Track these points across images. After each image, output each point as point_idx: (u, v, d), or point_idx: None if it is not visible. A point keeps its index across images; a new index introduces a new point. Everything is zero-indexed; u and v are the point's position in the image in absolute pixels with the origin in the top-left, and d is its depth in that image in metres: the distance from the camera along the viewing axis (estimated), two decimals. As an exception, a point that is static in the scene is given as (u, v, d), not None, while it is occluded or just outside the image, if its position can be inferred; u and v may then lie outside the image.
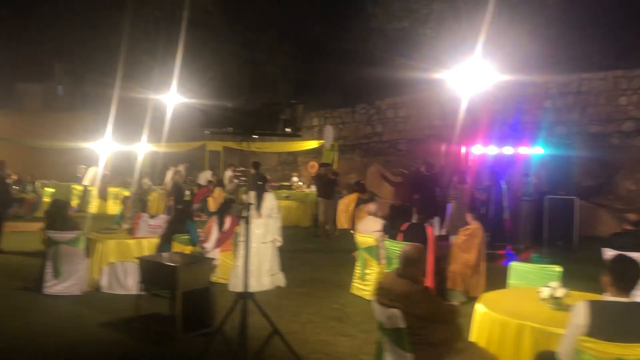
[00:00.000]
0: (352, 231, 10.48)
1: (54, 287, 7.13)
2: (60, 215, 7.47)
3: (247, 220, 4.90)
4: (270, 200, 7.72)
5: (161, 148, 22.16)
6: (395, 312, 3.70)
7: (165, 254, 5.97)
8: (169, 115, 22.23)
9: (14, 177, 15.44)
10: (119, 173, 19.73)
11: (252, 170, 13.91)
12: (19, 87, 34.05)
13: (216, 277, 7.18)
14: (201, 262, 5.42)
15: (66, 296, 7.08)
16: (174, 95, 21.49)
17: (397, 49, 19.72)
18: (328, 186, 13.08)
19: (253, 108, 4.93)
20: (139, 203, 8.66)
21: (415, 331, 3.71)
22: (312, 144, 18.54)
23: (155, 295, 6.85)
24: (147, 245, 7.42)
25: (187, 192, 17.51)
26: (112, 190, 17.44)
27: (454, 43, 17.99)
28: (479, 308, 4.39)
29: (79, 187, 18.22)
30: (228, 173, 19.20)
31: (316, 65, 23.76)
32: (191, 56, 23.31)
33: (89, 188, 17.67)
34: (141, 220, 7.43)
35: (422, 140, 20.01)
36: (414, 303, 3.73)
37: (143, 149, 21.30)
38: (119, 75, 24.56)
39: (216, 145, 21.77)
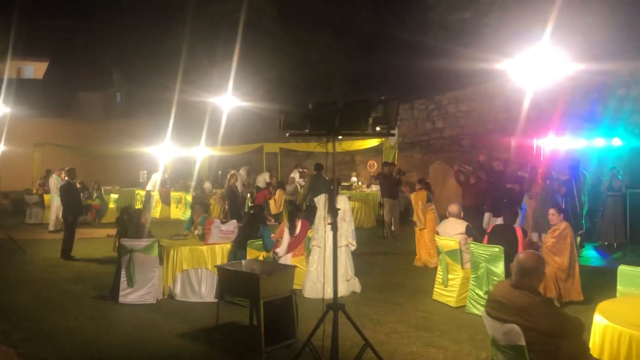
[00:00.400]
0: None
1: (129, 295, 7.04)
2: (133, 223, 7.38)
3: (334, 227, 4.60)
4: (343, 202, 7.39)
5: (218, 151, 22.24)
6: (514, 327, 3.31)
7: (244, 262, 5.73)
8: (224, 118, 22.34)
9: (78, 184, 15.70)
10: (181, 177, 19.86)
11: (313, 172, 13.64)
12: (79, 96, 35.09)
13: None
14: (282, 270, 5.14)
15: (141, 305, 6.98)
16: (230, 98, 21.52)
17: (457, 40, 19.05)
18: (394, 186, 12.66)
19: (337, 107, 4.60)
20: (204, 207, 8.43)
21: (538, 348, 3.31)
22: (373, 142, 18.11)
23: (231, 303, 6.68)
24: (219, 251, 7.23)
25: (248, 195, 17.48)
26: (174, 194, 17.55)
27: (519, 32, 17.20)
28: (599, 320, 3.93)
29: (142, 192, 18.43)
30: (294, 174, 19.01)
31: (372, 61, 23.36)
32: (247, 58, 23.34)
33: (152, 193, 17.82)
34: (213, 226, 7.24)
35: (486, 134, 19.32)
36: (535, 317, 3.32)
37: (201, 152, 21.41)
38: (177, 79, 24.91)
39: (273, 147, 21.65)
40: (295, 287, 7.18)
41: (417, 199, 12.49)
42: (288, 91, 24.69)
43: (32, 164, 20.95)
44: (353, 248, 7.54)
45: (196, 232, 7.85)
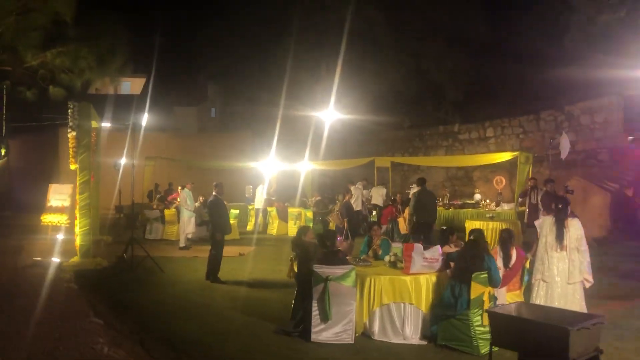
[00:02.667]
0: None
1: (322, 333, 5.98)
2: (325, 246, 6.36)
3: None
4: (575, 228, 6.07)
5: (326, 166, 21.31)
6: None
7: (514, 307, 4.50)
8: (326, 131, 21.42)
9: (201, 199, 15.08)
10: (285, 192, 18.99)
11: (417, 187, 12.32)
12: (175, 111, 35.38)
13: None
14: (593, 320, 3.88)
15: (337, 345, 5.90)
16: (334, 112, 20.60)
17: (596, 45, 17.36)
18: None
19: None
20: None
21: None
22: (504, 156, 16.58)
23: (443, 347, 5.54)
24: (425, 284, 6.06)
25: (373, 213, 16.37)
26: (292, 210, 16.67)
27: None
28: None
29: (252, 208, 17.73)
30: (357, 189, 17.74)
31: (489, 70, 21.88)
32: (354, 70, 22.43)
33: (269, 209, 17.05)
34: (414, 252, 6.10)
35: (629, 148, 17.38)
36: None
37: (305, 167, 20.51)
38: (275, 93, 24.33)
39: (385, 162, 20.47)
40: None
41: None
42: (397, 102, 23.58)
43: (144, 177, 20.79)
44: (588, 285, 6.18)
45: (387, 258, 6.72)
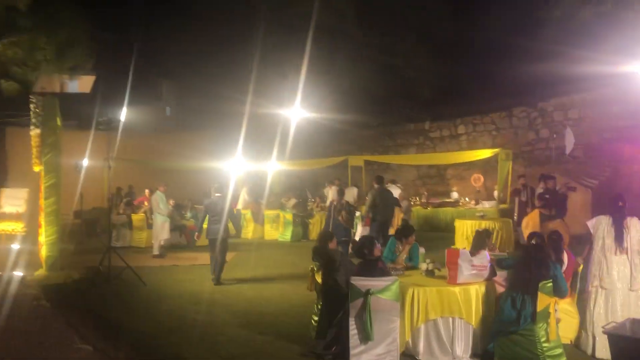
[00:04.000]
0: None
1: (362, 355, 5.21)
2: (361, 254, 5.58)
3: None
4: (637, 228, 5.52)
5: (297, 166, 20.51)
6: None
7: (628, 324, 3.88)
8: (292, 131, 20.62)
9: (171, 202, 14.02)
10: (274, 194, 18.09)
11: (375, 185, 11.80)
12: (128, 110, 33.62)
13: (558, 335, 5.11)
14: None
15: (381, 369, 5.16)
16: (300, 110, 19.84)
17: (575, 40, 17.26)
18: (561, 204, 10.72)
19: None
20: (409, 230, 6.63)
21: None
22: (485, 154, 16.23)
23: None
24: (474, 295, 5.39)
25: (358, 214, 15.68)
26: (268, 213, 15.77)
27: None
28: None
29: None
30: (331, 190, 17.20)
31: (460, 66, 21.58)
32: (322, 67, 21.70)
33: (243, 211, 16.10)
34: (460, 259, 5.41)
35: (604, 144, 17.36)
36: None
37: (274, 167, 19.65)
38: (242, 91, 23.31)
39: (358, 161, 19.84)
40: (565, 341, 5.41)
41: (527, 221, 10.55)
42: (365, 100, 22.99)
43: (103, 180, 19.42)
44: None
45: (423, 265, 6.01)
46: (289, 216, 15.00)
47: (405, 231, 6.74)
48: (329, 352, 5.48)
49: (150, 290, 8.88)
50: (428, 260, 5.96)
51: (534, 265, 5.05)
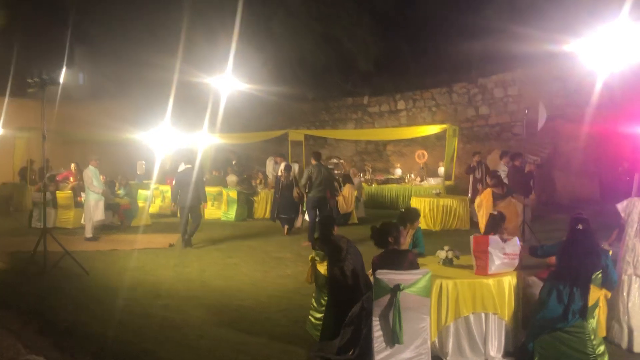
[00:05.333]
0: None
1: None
2: (385, 242, 4.79)
3: None
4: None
5: (233, 139, 19.36)
6: None
7: None
8: (224, 102, 19.38)
9: (102, 178, 12.53)
10: (214, 169, 16.85)
11: (312, 161, 11.27)
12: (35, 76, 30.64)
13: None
14: None
15: (411, 375, 4.45)
16: (233, 79, 18.61)
17: (511, 16, 17.21)
18: (527, 182, 10.46)
19: None
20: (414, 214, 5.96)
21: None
22: (433, 129, 15.87)
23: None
24: (507, 287, 4.78)
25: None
26: (210, 190, 14.52)
27: (591, 7, 15.46)
28: None
29: (164, 188, 15.40)
30: (269, 164, 16.58)
31: (400, 39, 21.13)
32: (257, 35, 20.51)
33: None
34: (491, 246, 4.78)
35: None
36: None
37: (207, 140, 18.41)
38: (169, 57, 21.65)
39: (298, 135, 18.99)
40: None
41: (479, 201, 10.40)
42: (301, 72, 22.06)
43: (14, 152, 17.36)
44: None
45: (441, 253, 5.33)
46: (232, 194, 13.95)
47: (409, 215, 6.04)
48: (346, 356, 4.69)
49: (96, 282, 7.67)
50: (447, 247, 5.28)
51: (582, 254, 4.49)
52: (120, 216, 12.49)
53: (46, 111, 21.90)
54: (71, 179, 13.30)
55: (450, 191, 14.79)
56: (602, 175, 15.58)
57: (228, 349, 5.08)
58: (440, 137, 18.65)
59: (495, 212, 5.63)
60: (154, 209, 15.20)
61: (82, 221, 12.19)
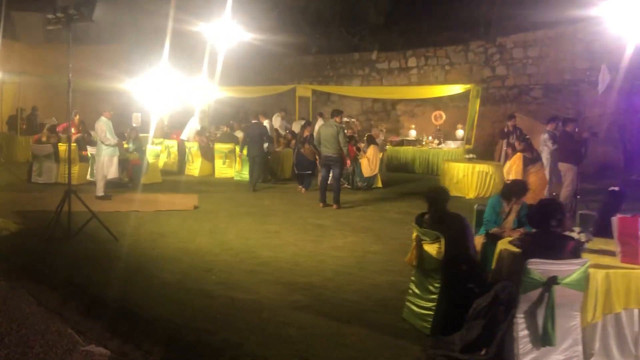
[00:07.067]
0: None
1: (535, 363, 3.78)
2: (545, 223, 4.00)
3: None
4: None
5: (237, 93, 18.24)
6: None
7: None
8: (222, 53, 18.10)
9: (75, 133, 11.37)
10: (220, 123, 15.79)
11: (338, 120, 10.49)
12: (13, 17, 28.60)
13: None
14: None
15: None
16: (232, 28, 17.33)
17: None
18: (578, 149, 9.78)
19: None
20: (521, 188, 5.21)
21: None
22: (455, 89, 15.04)
23: None
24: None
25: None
26: (219, 147, 13.57)
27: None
28: None
29: (169, 143, 14.37)
30: (276, 120, 15.70)
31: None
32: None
33: (188, 144, 13.84)
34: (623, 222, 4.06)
35: (564, 86, 16.87)
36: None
37: (210, 94, 17.28)
38: (162, 2, 20.17)
39: (306, 91, 17.98)
40: None
41: (509, 166, 9.93)
42: (305, 22, 20.83)
43: (1, 98, 16.01)
44: None
45: (573, 234, 4.56)
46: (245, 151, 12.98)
47: (516, 187, 5.28)
48: (477, 356, 3.97)
49: (129, 249, 6.79)
50: (578, 229, 4.53)
51: None
52: (129, 172, 11.47)
53: (30, 54, 20.30)
54: (73, 130, 12.16)
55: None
56: (627, 143, 15.06)
57: (325, 341, 4.31)
58: (453, 98, 17.88)
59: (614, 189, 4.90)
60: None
61: (88, 177, 11.19)
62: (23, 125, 15.38)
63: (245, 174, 12.67)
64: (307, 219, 8.86)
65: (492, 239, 4.97)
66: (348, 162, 10.80)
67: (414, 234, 4.66)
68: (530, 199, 5.52)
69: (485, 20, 18.57)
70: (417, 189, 12.50)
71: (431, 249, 4.49)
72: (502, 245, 4.51)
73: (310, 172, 11.93)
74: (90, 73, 18.78)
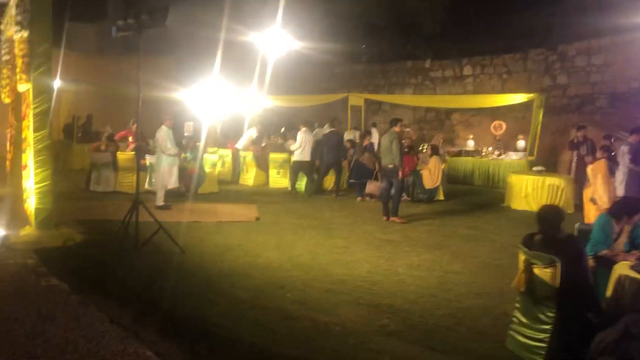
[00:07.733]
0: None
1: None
2: None
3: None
4: None
5: (289, 102, 18.02)
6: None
7: None
8: (271, 63, 17.87)
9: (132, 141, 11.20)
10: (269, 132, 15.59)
11: (397, 129, 9.96)
12: (69, 28, 29.21)
13: None
14: None
15: None
16: (283, 37, 17.09)
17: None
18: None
19: None
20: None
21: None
22: (517, 98, 14.45)
23: None
24: None
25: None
26: (274, 157, 13.35)
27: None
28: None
29: (223, 153, 14.23)
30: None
31: (470, 2, 19.52)
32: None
33: (243, 154, 13.66)
34: None
35: (631, 95, 16.05)
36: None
37: (262, 103, 17.07)
38: (211, 14, 20.13)
39: (359, 100, 17.64)
40: None
41: (596, 171, 9.19)
42: (356, 30, 20.52)
43: (59, 107, 16.18)
44: None
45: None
46: (304, 161, 12.71)
47: (629, 206, 4.77)
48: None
49: (197, 262, 6.53)
50: None
51: None
52: (185, 182, 11.31)
53: (84, 64, 20.57)
54: (130, 138, 12.14)
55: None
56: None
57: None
58: (512, 108, 17.24)
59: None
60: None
61: (147, 186, 11.07)
62: (79, 133, 15.50)
63: (300, 185, 12.39)
64: (373, 233, 8.47)
65: (604, 263, 4.48)
66: (401, 173, 10.35)
67: (522, 257, 4.21)
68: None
69: (546, 28, 17.88)
70: (482, 202, 12.01)
71: (544, 274, 4.03)
72: (622, 270, 4.04)
73: (367, 180, 11.67)
74: (145, 83, 18.82)
